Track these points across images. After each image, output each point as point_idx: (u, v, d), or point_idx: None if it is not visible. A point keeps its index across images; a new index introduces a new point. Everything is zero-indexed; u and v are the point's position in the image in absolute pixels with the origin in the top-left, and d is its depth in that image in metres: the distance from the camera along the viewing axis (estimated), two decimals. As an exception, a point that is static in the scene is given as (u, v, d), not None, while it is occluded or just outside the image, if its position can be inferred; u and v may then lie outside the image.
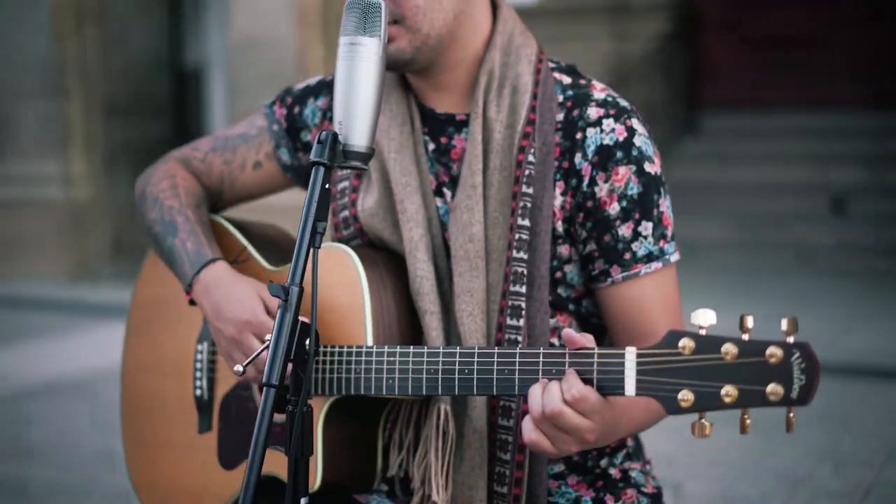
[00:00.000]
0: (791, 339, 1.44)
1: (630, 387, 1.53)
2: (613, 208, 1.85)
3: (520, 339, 1.82)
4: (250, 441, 1.65)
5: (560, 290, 1.91)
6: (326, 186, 1.63)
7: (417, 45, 1.87)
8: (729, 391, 1.45)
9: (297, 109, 2.12)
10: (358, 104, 1.67)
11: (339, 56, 1.70)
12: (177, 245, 2.03)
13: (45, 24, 10.59)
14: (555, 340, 1.91)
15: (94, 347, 8.35)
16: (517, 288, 1.84)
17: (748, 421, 1.48)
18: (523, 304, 1.83)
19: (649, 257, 1.85)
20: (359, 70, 1.68)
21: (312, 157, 1.64)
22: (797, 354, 1.43)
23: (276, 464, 1.83)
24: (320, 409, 1.85)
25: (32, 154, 10.85)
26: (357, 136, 1.67)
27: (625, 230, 1.85)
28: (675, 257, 1.88)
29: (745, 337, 1.46)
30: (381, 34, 1.69)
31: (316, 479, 1.85)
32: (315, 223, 1.63)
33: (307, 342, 1.62)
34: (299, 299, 1.61)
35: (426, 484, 1.84)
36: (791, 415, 1.45)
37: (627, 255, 1.85)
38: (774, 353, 1.43)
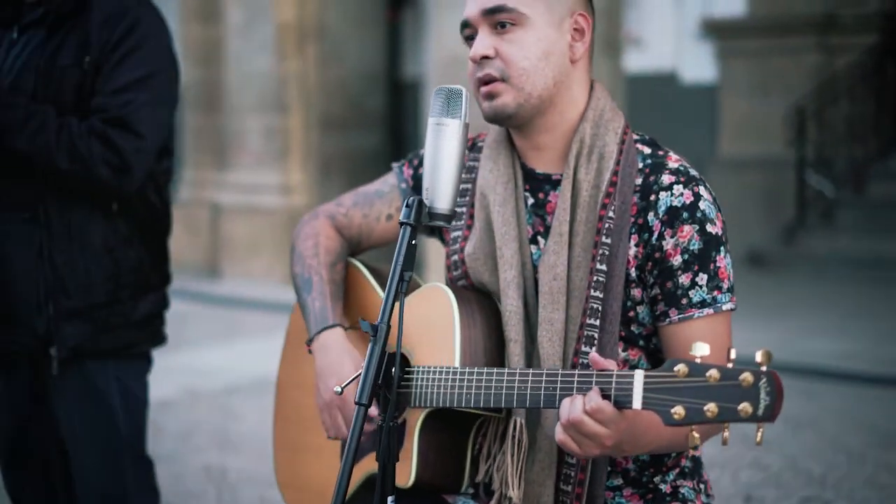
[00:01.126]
0: (763, 368, 1.74)
1: (637, 402, 1.84)
2: (677, 260, 2.14)
3: (588, 360, 2.14)
4: (368, 445, 2.12)
5: (633, 328, 2.21)
6: (413, 243, 2.00)
7: (520, 102, 2.19)
8: (711, 408, 1.76)
9: (421, 170, 2.45)
10: (442, 175, 2.03)
11: (427, 133, 2.06)
12: (308, 302, 2.44)
13: (269, 45, 11.16)
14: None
15: None
16: (592, 321, 2.15)
17: (726, 434, 1.79)
18: (596, 335, 2.15)
19: (703, 304, 2.14)
20: (443, 147, 2.04)
21: (401, 218, 2.00)
22: (764, 380, 1.74)
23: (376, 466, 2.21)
24: (417, 418, 2.20)
25: (255, 164, 11.40)
26: (441, 200, 2.04)
27: (684, 279, 2.14)
28: (727, 306, 2.17)
29: (729, 365, 1.76)
30: (462, 116, 2.04)
31: (410, 477, 2.20)
32: (402, 272, 1.99)
33: (393, 369, 2.00)
34: (386, 334, 1.98)
35: (503, 483, 2.18)
36: (760, 430, 1.75)
37: (684, 301, 2.14)
38: (746, 378, 1.74)
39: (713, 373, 1.77)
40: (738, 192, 12.69)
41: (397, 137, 14.24)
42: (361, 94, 11.75)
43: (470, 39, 2.25)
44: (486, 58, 2.19)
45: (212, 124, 11.94)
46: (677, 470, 2.26)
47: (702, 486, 2.30)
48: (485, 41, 2.20)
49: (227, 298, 10.63)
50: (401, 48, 15.40)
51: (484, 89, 2.21)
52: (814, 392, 7.06)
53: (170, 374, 7.39)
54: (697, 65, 13.13)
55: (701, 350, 1.80)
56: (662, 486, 2.25)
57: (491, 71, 2.19)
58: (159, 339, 3.21)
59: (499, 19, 2.19)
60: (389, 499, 2.01)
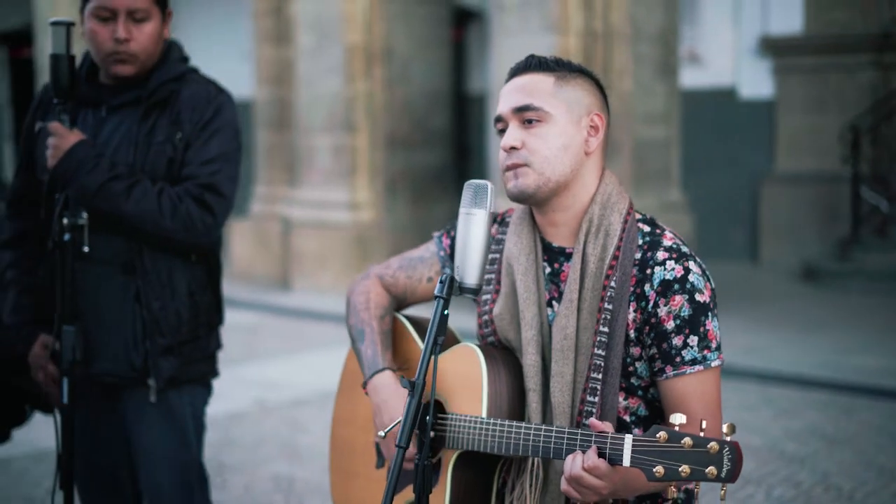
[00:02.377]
0: (727, 438, 2.13)
1: (627, 460, 2.23)
2: (670, 324, 2.51)
3: (594, 410, 2.51)
4: (409, 478, 2.53)
5: (633, 380, 2.59)
6: (445, 313, 2.41)
7: (540, 185, 2.57)
8: (684, 469, 2.15)
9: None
10: (470, 255, 2.44)
11: (459, 218, 2.47)
12: (362, 349, 2.86)
13: (338, 66, 11.47)
14: (627, 417, 2.60)
15: None
16: (596, 375, 2.54)
17: (722, 492, 2.17)
18: (599, 387, 2.53)
19: (694, 361, 2.51)
20: (471, 232, 2.45)
21: (435, 292, 2.42)
22: (727, 448, 2.12)
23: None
24: (451, 458, 2.60)
25: (324, 181, 11.69)
26: (469, 277, 2.44)
27: (677, 341, 2.51)
28: (715, 363, 2.53)
29: (701, 434, 2.16)
30: (487, 206, 2.45)
31: None
32: (436, 337, 2.40)
33: (427, 418, 2.41)
34: (422, 389, 2.39)
35: None
36: (723, 490, 2.14)
37: (678, 359, 2.51)
38: (713, 446, 2.13)
39: (687, 440, 2.16)
40: (794, 206, 12.92)
41: (462, 153, 14.61)
42: (426, 113, 12.01)
43: (502, 132, 2.63)
44: (514, 148, 2.58)
45: (283, 142, 12.32)
46: (670, 501, 2.64)
47: (697, 523, 2.69)
48: (514, 133, 2.59)
49: (296, 310, 10.93)
50: (466, 63, 15.79)
51: (510, 172, 2.60)
52: (854, 408, 7.30)
53: (241, 386, 7.69)
54: (755, 81, 13.33)
55: (678, 419, 2.19)
56: (657, 517, 2.64)
57: (517, 160, 2.57)
58: (217, 371, 3.67)
59: (526, 116, 2.57)
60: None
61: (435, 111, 12.16)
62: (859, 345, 9.00)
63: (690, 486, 2.51)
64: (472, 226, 2.45)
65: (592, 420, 2.33)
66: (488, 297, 2.77)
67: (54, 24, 3.29)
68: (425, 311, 3.02)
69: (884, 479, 5.82)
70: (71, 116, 3.42)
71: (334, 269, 11.68)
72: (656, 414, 2.63)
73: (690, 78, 12.64)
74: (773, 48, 13.13)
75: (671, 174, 10.54)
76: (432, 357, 2.40)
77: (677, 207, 10.58)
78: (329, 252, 11.74)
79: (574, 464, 2.30)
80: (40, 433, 4.67)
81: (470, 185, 2.48)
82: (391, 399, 2.74)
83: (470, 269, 2.45)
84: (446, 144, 12.44)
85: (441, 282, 2.43)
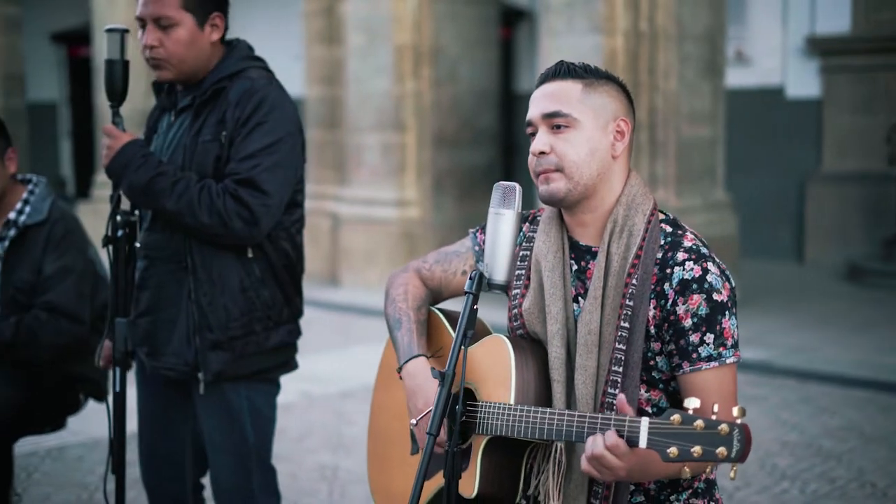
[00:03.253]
0: (738, 421, 2.24)
1: (643, 441, 2.33)
2: (687, 322, 2.62)
3: (615, 402, 2.63)
4: (439, 464, 2.67)
5: (654, 373, 2.71)
6: (475, 307, 2.55)
7: (570, 188, 2.69)
8: (697, 450, 2.25)
9: None
10: (498, 253, 2.58)
11: (488, 218, 2.61)
12: (398, 337, 2.98)
13: (387, 66, 11.60)
14: (649, 409, 2.72)
15: None
16: (617, 368, 2.65)
17: (734, 470, 2.26)
18: (620, 380, 2.65)
19: (710, 358, 2.62)
20: (500, 231, 2.59)
21: (465, 288, 2.56)
22: (737, 430, 2.23)
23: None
24: (480, 444, 2.73)
25: (372, 179, 11.81)
26: (497, 274, 2.58)
27: (694, 338, 2.62)
28: (730, 360, 2.64)
29: (712, 417, 2.26)
30: (516, 207, 2.59)
31: (473, 488, 2.72)
32: (465, 331, 2.54)
33: (457, 407, 2.55)
34: (452, 379, 2.53)
35: (547, 496, 2.71)
36: (734, 468, 2.25)
37: (694, 355, 2.62)
38: (723, 428, 2.23)
39: (699, 423, 2.27)
40: (839, 206, 12.92)
41: (509, 151, 14.70)
42: (474, 112, 12.10)
43: (532, 136, 2.76)
44: (543, 153, 2.71)
45: (333, 140, 12.45)
46: (690, 490, 2.75)
47: (712, 503, 2.80)
48: (543, 138, 2.71)
49: (344, 306, 11.06)
50: (515, 62, 15.89)
51: (541, 177, 2.72)
52: (892, 407, 7.36)
53: (290, 378, 7.94)
54: (802, 81, 13.33)
55: (693, 403, 2.29)
56: (677, 504, 2.77)
57: (547, 165, 2.69)
58: (290, 366, 3.76)
59: (555, 122, 2.69)
60: (457, 505, 2.57)
61: (482, 110, 12.25)
62: (898, 344, 9.08)
63: (706, 470, 2.64)
64: (501, 225, 2.59)
65: (620, 399, 2.43)
66: (518, 291, 2.88)
67: (109, 30, 3.46)
68: (458, 305, 3.17)
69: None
70: (156, 122, 3.57)
71: (381, 265, 11.78)
72: (676, 406, 2.72)
73: (738, 77, 12.68)
74: (821, 48, 13.13)
75: (716, 174, 10.59)
76: (462, 349, 2.54)
77: (722, 207, 10.62)
78: (377, 249, 11.86)
79: (595, 443, 2.40)
80: (93, 422, 4.83)
81: (499, 187, 2.61)
82: (425, 384, 2.85)
83: (498, 266, 2.59)
84: (493, 143, 12.51)
85: (471, 278, 2.57)
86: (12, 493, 4.59)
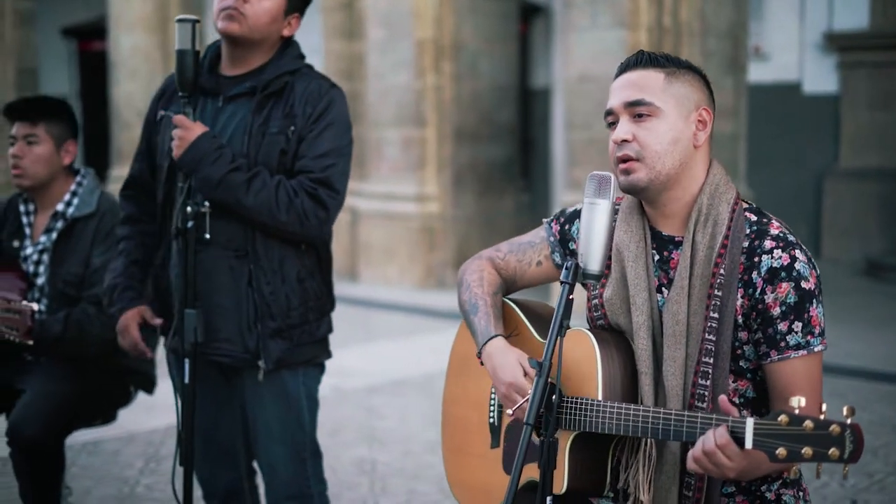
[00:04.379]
0: (848, 421, 2.22)
1: (748, 442, 2.31)
2: (776, 311, 2.61)
3: (706, 393, 2.62)
4: (527, 457, 2.62)
5: (741, 363, 2.70)
6: (571, 298, 2.54)
7: (651, 178, 2.68)
8: (807, 451, 2.23)
9: (567, 227, 2.98)
10: (594, 243, 2.56)
11: (583, 208, 2.59)
12: (475, 321, 2.97)
13: (408, 61, 11.61)
14: (736, 399, 2.71)
15: (434, 349, 9.00)
16: (707, 359, 2.64)
17: (820, 469, 2.27)
18: (710, 371, 2.64)
19: (798, 346, 2.61)
20: (595, 220, 2.57)
21: (561, 278, 2.54)
22: (849, 431, 2.21)
23: (536, 473, 2.74)
24: (568, 439, 2.72)
25: (393, 174, 11.81)
26: (592, 264, 2.57)
27: (782, 326, 2.61)
28: (818, 348, 2.63)
29: (821, 417, 2.25)
30: (611, 197, 2.57)
31: (563, 485, 2.71)
32: (562, 321, 2.53)
33: (553, 397, 2.55)
34: (549, 369, 2.53)
35: (637, 488, 2.71)
36: (846, 468, 2.24)
37: (782, 344, 2.61)
38: (835, 429, 2.21)
39: (809, 423, 2.24)
40: (857, 202, 12.93)
41: (526, 147, 14.70)
42: (493, 107, 12.09)
43: (612, 125, 2.74)
44: (625, 141, 2.69)
45: (353, 135, 12.49)
46: (780, 481, 2.75)
47: (801, 493, 2.78)
48: (625, 127, 2.69)
49: (363, 300, 11.04)
50: (531, 57, 15.88)
51: (622, 166, 2.69)
52: (923, 403, 7.38)
53: (318, 373, 8.00)
54: (820, 76, 13.35)
55: (799, 402, 2.26)
56: (768, 494, 2.74)
57: (629, 152, 2.68)
58: (330, 353, 3.82)
59: (637, 111, 2.68)
60: (548, 499, 2.56)
61: (502, 105, 12.24)
62: (925, 340, 9.07)
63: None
64: (596, 215, 2.57)
65: (723, 399, 2.41)
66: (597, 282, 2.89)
67: (180, 20, 3.45)
68: (528, 296, 3.15)
69: None
70: (185, 103, 3.57)
71: (401, 260, 11.80)
72: (764, 396, 2.72)
73: (755, 73, 12.68)
74: (839, 44, 13.14)
75: (738, 169, 10.59)
76: (559, 339, 2.53)
77: (744, 202, 10.63)
78: (396, 243, 11.87)
79: (707, 440, 2.38)
80: (126, 416, 4.83)
81: (594, 177, 2.59)
82: (507, 363, 2.82)
83: (593, 256, 2.57)
84: (512, 138, 12.50)
85: (566, 268, 2.56)
86: (63, 486, 4.59)
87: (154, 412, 6.65)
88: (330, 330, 3.78)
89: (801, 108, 13.45)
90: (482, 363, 2.92)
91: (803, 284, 2.62)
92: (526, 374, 2.78)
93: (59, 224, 4.36)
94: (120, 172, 13.79)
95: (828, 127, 13.33)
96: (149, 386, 4.65)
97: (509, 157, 12.46)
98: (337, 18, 12.46)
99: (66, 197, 4.39)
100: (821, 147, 13.38)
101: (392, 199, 11.87)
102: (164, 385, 4.64)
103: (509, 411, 2.69)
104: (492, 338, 2.90)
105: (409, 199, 11.80)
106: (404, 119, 11.67)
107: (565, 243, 3.00)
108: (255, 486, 3.97)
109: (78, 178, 4.45)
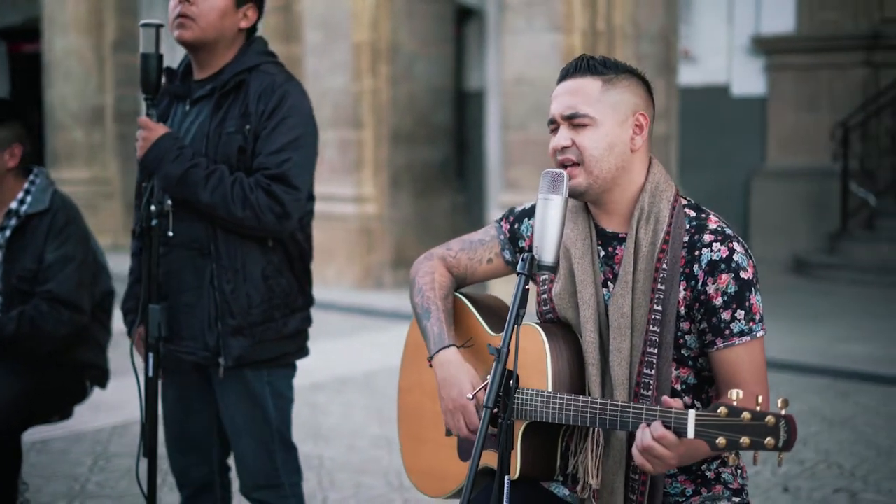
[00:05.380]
0: (783, 412, 2.36)
1: (690, 432, 2.45)
2: (718, 301, 2.75)
3: (651, 382, 2.76)
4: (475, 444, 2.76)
5: (683, 352, 2.83)
6: (526, 288, 2.67)
7: (591, 181, 2.81)
8: (745, 440, 2.37)
9: (516, 225, 3.11)
10: (547, 236, 2.67)
11: (538, 203, 2.72)
12: (428, 327, 3.06)
13: (346, 64, 11.67)
14: (678, 386, 2.85)
15: (374, 348, 9.28)
16: (652, 349, 2.77)
17: (758, 457, 2.42)
18: (655, 360, 2.77)
19: (742, 333, 2.75)
20: (549, 215, 2.67)
21: (518, 269, 2.68)
22: (783, 421, 2.35)
23: (491, 459, 2.87)
24: (520, 428, 2.84)
25: (331, 176, 11.80)
26: (546, 256, 2.67)
27: (725, 315, 2.75)
28: (760, 333, 2.78)
29: (758, 408, 2.39)
30: (564, 193, 2.71)
31: (516, 470, 2.83)
32: (518, 310, 2.66)
33: (511, 382, 2.68)
34: (506, 356, 2.66)
35: (586, 473, 2.85)
36: (781, 456, 2.38)
37: (727, 332, 2.75)
38: (770, 420, 2.35)
39: (746, 415, 2.39)
40: (785, 201, 13.21)
41: (461, 148, 14.82)
42: (429, 109, 12.20)
43: (554, 132, 2.87)
44: (564, 147, 2.82)
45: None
46: (718, 460, 2.90)
47: (738, 471, 2.94)
48: (564, 133, 2.82)
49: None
50: (465, 60, 16.02)
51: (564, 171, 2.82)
52: (849, 393, 7.64)
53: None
54: (748, 79, 13.62)
55: (738, 395, 2.41)
56: (708, 473, 2.89)
57: (569, 156, 2.81)
58: (305, 350, 3.87)
59: (575, 122, 2.82)
60: (506, 478, 2.70)
61: (438, 107, 12.34)
62: (852, 334, 9.37)
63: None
64: (550, 209, 2.68)
65: (665, 398, 2.56)
66: (546, 278, 3.00)
67: (145, 25, 3.54)
68: (478, 289, 3.28)
69: (882, 457, 6.14)
70: (165, 110, 3.65)
71: (339, 261, 11.87)
72: (704, 382, 2.87)
73: (685, 76, 12.91)
74: (766, 47, 13.42)
75: (670, 169, 10.80)
76: (515, 327, 2.67)
77: (676, 202, 10.84)
78: (334, 245, 11.92)
79: (644, 435, 2.53)
80: (75, 415, 4.88)
81: (548, 174, 2.72)
82: (458, 376, 2.94)
83: (547, 248, 2.68)
84: (448, 140, 12.61)
85: (523, 260, 2.67)
86: (20, 482, 4.65)
87: (100, 411, 6.71)
88: (304, 326, 3.81)
89: (730, 110, 13.72)
90: (431, 366, 3.02)
91: (742, 275, 2.76)
92: (474, 390, 2.89)
93: (13, 221, 4.39)
94: (56, 175, 13.69)
95: (756, 128, 13.61)
96: (103, 380, 4.71)
97: (445, 158, 12.56)
98: (274, 21, 12.48)
99: (20, 195, 4.43)
100: (749, 147, 13.65)
101: (330, 200, 11.87)
102: (112, 383, 4.73)
103: (469, 395, 2.82)
104: (445, 347, 3.00)
105: (346, 201, 11.86)
106: (342, 121, 11.75)
107: (515, 241, 3.12)
108: (229, 481, 4.03)
109: (31, 178, 4.49)
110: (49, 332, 4.29)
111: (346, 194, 11.85)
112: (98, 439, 6.46)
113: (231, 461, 3.98)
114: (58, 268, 4.32)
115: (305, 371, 8.12)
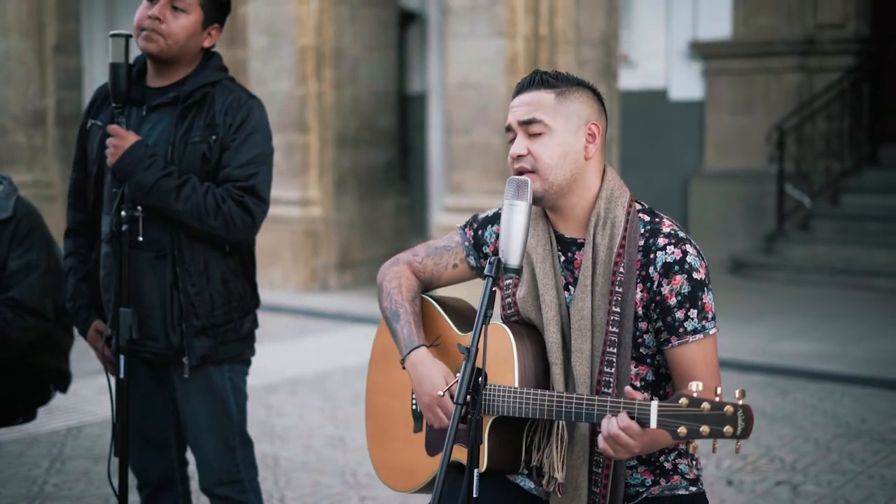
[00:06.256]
0: (740, 402, 2.52)
1: (653, 422, 2.60)
2: (672, 300, 2.90)
3: (611, 380, 2.90)
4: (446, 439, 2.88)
5: (642, 350, 2.98)
6: (493, 290, 2.81)
7: (546, 188, 2.95)
8: (704, 429, 2.52)
9: (480, 232, 3.23)
10: (513, 240, 2.80)
11: (503, 209, 2.85)
12: (398, 329, 3.17)
13: (290, 68, 11.73)
14: (637, 383, 3.00)
15: (322, 349, 9.35)
16: (611, 349, 2.91)
17: (717, 445, 2.56)
18: (614, 359, 2.92)
19: (695, 331, 2.91)
20: (514, 220, 2.80)
21: (485, 272, 2.80)
22: (741, 411, 2.51)
23: (460, 454, 2.98)
24: (488, 422, 2.96)
25: (277, 180, 11.87)
26: (512, 259, 2.80)
27: (679, 314, 2.90)
28: (712, 331, 2.94)
29: (717, 399, 2.54)
30: (528, 199, 2.84)
31: (483, 463, 2.96)
32: (486, 311, 2.79)
33: (480, 379, 2.81)
34: (475, 355, 2.79)
35: (551, 467, 2.99)
36: (738, 444, 2.54)
37: (681, 330, 2.90)
38: (728, 409, 2.50)
39: (706, 405, 2.53)
40: (722, 203, 13.45)
41: (405, 151, 14.92)
42: (373, 113, 12.28)
43: (511, 141, 3.01)
44: (521, 156, 2.96)
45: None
46: (675, 452, 3.05)
47: (693, 462, 3.09)
48: (521, 142, 2.96)
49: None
50: (408, 63, 16.11)
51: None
52: (789, 390, 7.86)
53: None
54: (685, 83, 13.85)
55: (697, 387, 2.56)
56: (666, 464, 3.04)
57: (525, 164, 2.95)
58: (254, 350, 4.02)
59: (531, 130, 2.95)
60: (475, 472, 2.82)
61: (381, 111, 12.43)
62: (789, 332, 9.62)
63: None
64: (515, 214, 2.80)
65: (628, 389, 2.69)
66: (510, 282, 3.13)
67: (114, 35, 3.64)
68: (445, 292, 3.41)
69: (821, 451, 6.33)
70: (111, 113, 3.74)
71: (285, 263, 11.92)
72: (662, 379, 3.02)
73: (624, 80, 13.07)
74: (703, 52, 13.65)
75: (612, 172, 10.98)
76: (483, 327, 2.79)
77: (616, 204, 11.00)
78: (281, 247, 11.97)
79: (610, 424, 2.67)
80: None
81: (512, 181, 2.85)
82: (431, 373, 3.05)
83: (513, 252, 2.80)
84: (391, 143, 12.70)
85: (490, 263, 2.79)
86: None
87: (54, 414, 6.75)
88: (254, 327, 3.97)
89: (668, 114, 13.94)
90: (405, 368, 3.14)
91: (695, 275, 2.92)
92: (447, 384, 3.01)
93: (-25, 230, 4.44)
94: None
95: (693, 131, 13.84)
96: (64, 384, 4.78)
97: (389, 161, 12.65)
98: (218, 25, 12.51)
99: (-17, 203, 4.47)
100: (687, 151, 13.88)
101: (275, 203, 11.71)
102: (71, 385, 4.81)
103: (440, 392, 2.95)
104: (416, 348, 3.11)
105: (292, 204, 11.91)
106: (287, 125, 11.78)
107: (479, 247, 3.25)
108: (187, 477, 4.16)
109: (-7, 185, 4.54)
110: (14, 338, 4.34)
111: (292, 197, 11.90)
112: (53, 441, 6.49)
113: (189, 455, 4.08)
114: (21, 275, 4.38)
115: (259, 372, 8.18)
